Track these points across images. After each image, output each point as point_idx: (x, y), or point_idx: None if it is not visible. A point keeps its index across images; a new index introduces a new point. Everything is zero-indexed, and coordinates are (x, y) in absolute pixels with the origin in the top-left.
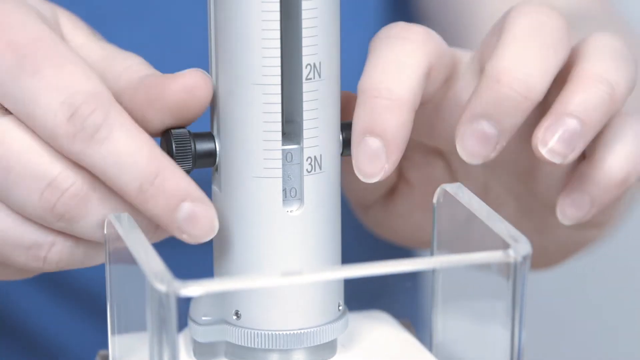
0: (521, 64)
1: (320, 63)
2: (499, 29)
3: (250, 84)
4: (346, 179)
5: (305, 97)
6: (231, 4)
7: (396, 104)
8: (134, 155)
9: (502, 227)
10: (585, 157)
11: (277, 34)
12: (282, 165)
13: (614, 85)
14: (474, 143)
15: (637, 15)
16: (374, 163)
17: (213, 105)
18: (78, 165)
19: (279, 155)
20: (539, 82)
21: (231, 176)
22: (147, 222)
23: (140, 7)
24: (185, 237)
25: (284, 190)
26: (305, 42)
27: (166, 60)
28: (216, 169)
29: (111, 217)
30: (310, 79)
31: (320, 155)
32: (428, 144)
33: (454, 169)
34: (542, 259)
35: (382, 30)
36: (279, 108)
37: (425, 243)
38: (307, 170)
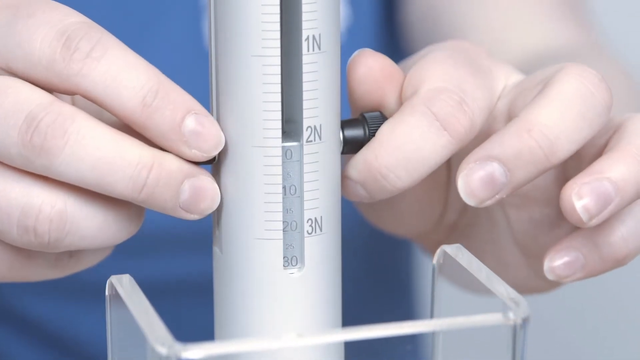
0: (555, 125)
1: (320, 125)
2: (546, 79)
3: (250, 147)
4: None
5: (305, 159)
6: (231, 54)
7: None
8: (134, 70)
9: (501, 289)
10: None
11: (278, 97)
12: (283, 227)
13: None
14: (477, 183)
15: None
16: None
17: (215, 163)
18: (59, 98)
19: (280, 217)
20: (565, 149)
21: (232, 237)
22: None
23: (136, 41)
24: (194, 154)
25: (285, 251)
26: (306, 105)
27: None
28: (217, 229)
29: (112, 279)
30: (311, 141)
31: (321, 216)
32: None
33: (450, 177)
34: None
35: (434, 90)
36: (279, 170)
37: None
38: (307, 232)
